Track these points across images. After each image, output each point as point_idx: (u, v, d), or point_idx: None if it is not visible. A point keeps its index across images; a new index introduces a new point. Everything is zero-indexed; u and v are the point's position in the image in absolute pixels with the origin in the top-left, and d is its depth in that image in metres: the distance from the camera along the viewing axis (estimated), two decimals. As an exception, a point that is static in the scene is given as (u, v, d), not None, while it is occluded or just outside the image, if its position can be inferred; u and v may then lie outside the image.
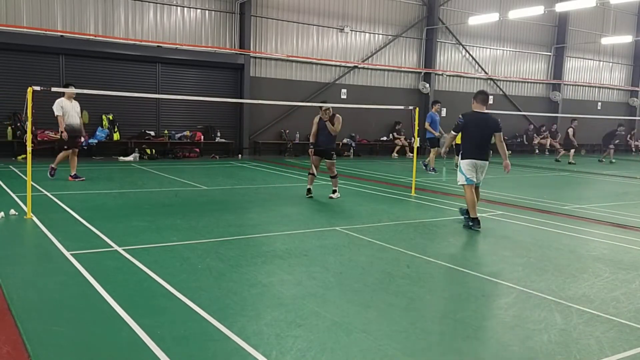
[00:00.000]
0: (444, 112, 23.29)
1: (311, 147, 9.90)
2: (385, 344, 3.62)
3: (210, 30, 18.03)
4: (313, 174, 9.98)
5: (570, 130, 19.83)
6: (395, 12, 21.74)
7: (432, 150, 15.55)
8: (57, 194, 9.21)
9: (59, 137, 10.94)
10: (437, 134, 15.24)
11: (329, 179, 10.16)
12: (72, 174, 11.03)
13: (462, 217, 7.86)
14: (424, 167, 15.29)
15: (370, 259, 5.85)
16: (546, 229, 7.74)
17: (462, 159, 7.73)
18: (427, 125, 15.24)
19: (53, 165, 11.03)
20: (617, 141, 21.91)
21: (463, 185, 7.71)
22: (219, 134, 18.52)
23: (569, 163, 19.58)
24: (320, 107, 9.71)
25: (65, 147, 10.90)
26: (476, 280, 5.15)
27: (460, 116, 7.77)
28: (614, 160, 21.40)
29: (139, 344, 3.49)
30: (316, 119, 9.77)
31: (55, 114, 10.73)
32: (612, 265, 5.83)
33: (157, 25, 17.10)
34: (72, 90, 10.37)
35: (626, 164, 21.36)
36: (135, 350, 3.42)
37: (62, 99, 10.83)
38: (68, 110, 10.83)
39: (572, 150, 20.05)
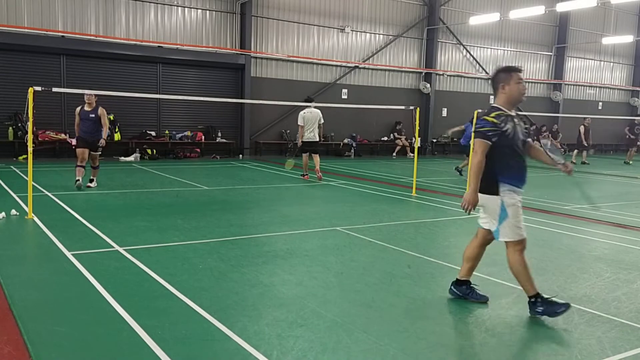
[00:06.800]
0: (444, 112, 23.37)
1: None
2: (386, 344, 3.62)
3: (211, 31, 18.03)
4: (82, 166, 9.78)
5: (582, 128, 19.67)
6: (396, 12, 21.73)
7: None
8: (58, 194, 9.22)
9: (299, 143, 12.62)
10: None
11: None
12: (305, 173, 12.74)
13: None
14: (459, 173, 14.33)
15: (371, 259, 5.84)
16: (547, 229, 7.74)
17: None
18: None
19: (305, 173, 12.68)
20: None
21: None
22: (219, 134, 18.53)
23: (582, 163, 19.39)
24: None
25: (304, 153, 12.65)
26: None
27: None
28: None
29: (140, 344, 3.49)
30: (78, 109, 9.80)
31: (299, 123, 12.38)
32: (613, 265, 5.82)
33: (157, 25, 17.11)
34: (313, 104, 12.60)
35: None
36: (136, 350, 3.42)
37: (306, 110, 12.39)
38: (307, 121, 12.31)
39: (575, 151, 19.95)
